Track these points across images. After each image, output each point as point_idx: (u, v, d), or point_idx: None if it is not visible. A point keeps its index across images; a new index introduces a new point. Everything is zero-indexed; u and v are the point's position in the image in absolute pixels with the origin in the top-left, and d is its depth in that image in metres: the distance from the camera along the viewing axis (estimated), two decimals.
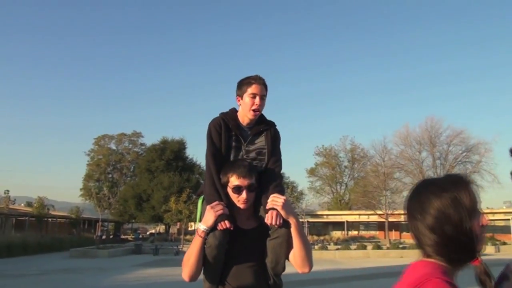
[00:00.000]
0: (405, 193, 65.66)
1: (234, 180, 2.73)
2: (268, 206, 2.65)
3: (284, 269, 2.74)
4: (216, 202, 2.67)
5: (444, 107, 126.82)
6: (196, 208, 3.15)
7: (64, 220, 64.69)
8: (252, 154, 2.95)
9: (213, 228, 2.63)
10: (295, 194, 59.71)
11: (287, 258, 2.72)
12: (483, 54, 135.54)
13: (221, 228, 2.61)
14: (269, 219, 2.60)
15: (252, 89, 2.92)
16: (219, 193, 2.75)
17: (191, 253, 2.64)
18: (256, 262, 2.73)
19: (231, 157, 2.92)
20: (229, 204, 2.72)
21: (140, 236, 67.02)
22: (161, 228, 75.28)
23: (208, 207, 2.66)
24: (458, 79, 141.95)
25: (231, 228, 2.62)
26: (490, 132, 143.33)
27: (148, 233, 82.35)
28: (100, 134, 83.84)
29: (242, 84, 2.97)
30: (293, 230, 2.65)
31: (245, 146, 2.95)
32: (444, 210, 1.54)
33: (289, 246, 2.67)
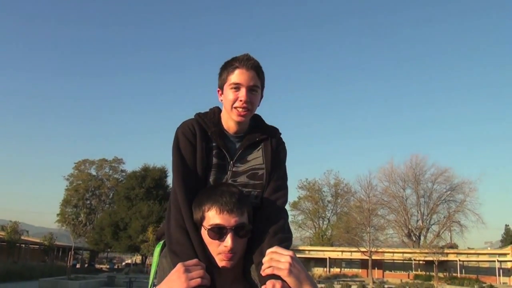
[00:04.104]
0: (389, 231, 65.68)
1: (213, 217, 1.63)
2: (265, 270, 1.56)
3: None
4: (194, 261, 1.55)
5: (429, 144, 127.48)
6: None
7: (38, 246, 62.30)
8: (243, 178, 1.85)
9: None
10: None
11: None
12: (471, 95, 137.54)
13: None
14: None
15: (235, 76, 1.83)
16: (191, 241, 1.65)
17: None
18: None
19: (211, 182, 1.81)
20: (206, 258, 1.63)
21: (115, 267, 65.01)
22: (137, 258, 73.12)
23: (179, 267, 1.53)
24: (444, 117, 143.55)
25: None
26: (475, 171, 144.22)
27: (124, 263, 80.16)
28: (81, 158, 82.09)
29: (223, 69, 1.88)
30: None
31: (232, 165, 1.86)
32: None
33: None
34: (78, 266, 60.15)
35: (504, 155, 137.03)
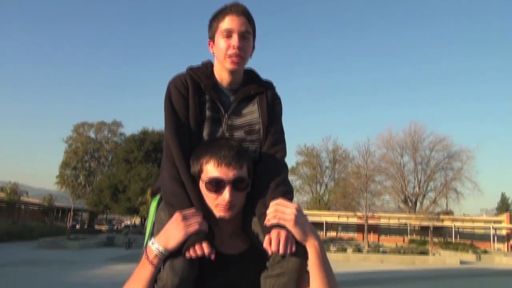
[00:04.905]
0: (386, 196, 66.10)
1: (211, 170, 1.60)
2: (270, 220, 1.54)
3: None
4: (192, 210, 1.54)
5: (428, 112, 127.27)
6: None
7: (37, 207, 62.84)
8: (240, 133, 1.81)
9: (175, 253, 1.50)
10: None
11: None
12: (471, 62, 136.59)
13: (192, 256, 1.48)
14: (273, 244, 1.49)
15: (226, 23, 1.77)
16: (187, 194, 1.62)
17: None
18: None
19: (205, 136, 1.77)
20: (203, 210, 1.60)
21: (115, 228, 65.74)
22: (136, 220, 73.87)
23: (176, 215, 1.52)
24: (444, 85, 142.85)
25: (212, 258, 1.51)
26: (473, 139, 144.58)
27: (123, 224, 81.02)
28: (79, 121, 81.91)
29: (213, 19, 1.83)
30: (312, 262, 1.53)
31: (227, 119, 1.81)
32: None
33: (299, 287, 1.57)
34: (77, 227, 60.88)
35: (502, 124, 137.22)
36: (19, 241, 36.21)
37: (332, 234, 62.80)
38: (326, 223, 60.98)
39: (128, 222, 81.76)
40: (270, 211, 1.56)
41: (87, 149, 77.51)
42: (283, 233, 1.50)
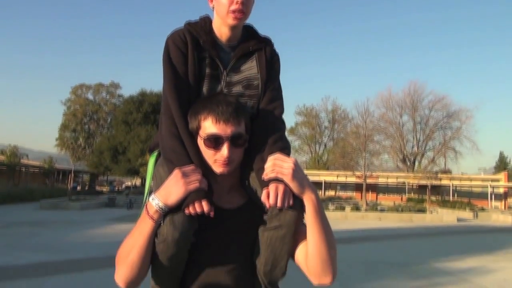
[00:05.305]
0: (384, 156, 66.49)
1: (209, 126, 1.60)
2: (268, 174, 1.55)
3: (284, 274, 1.65)
4: (191, 167, 1.55)
5: (428, 71, 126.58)
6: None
7: (38, 170, 63.09)
8: (237, 88, 1.79)
9: (175, 209, 1.51)
10: None
11: (292, 257, 1.65)
12: (470, 20, 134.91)
13: (192, 213, 1.50)
14: (271, 197, 1.50)
15: None
16: (187, 150, 1.62)
17: (133, 245, 1.52)
18: (239, 263, 1.66)
19: (204, 92, 1.75)
20: (202, 165, 1.61)
21: (116, 189, 66.22)
22: (137, 181, 74.36)
23: (176, 172, 1.53)
24: (444, 43, 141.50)
25: (211, 215, 1.52)
26: (473, 99, 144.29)
27: (124, 185, 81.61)
28: (77, 83, 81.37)
29: None
30: (310, 215, 1.54)
31: (226, 75, 1.78)
32: None
33: (297, 240, 1.62)
34: (78, 188, 61.37)
35: (501, 84, 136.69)
36: (20, 203, 36.53)
37: (331, 193, 63.46)
38: (325, 182, 61.51)
39: (129, 183, 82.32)
40: (268, 165, 1.57)
41: (85, 111, 77.31)
42: (281, 187, 1.52)
